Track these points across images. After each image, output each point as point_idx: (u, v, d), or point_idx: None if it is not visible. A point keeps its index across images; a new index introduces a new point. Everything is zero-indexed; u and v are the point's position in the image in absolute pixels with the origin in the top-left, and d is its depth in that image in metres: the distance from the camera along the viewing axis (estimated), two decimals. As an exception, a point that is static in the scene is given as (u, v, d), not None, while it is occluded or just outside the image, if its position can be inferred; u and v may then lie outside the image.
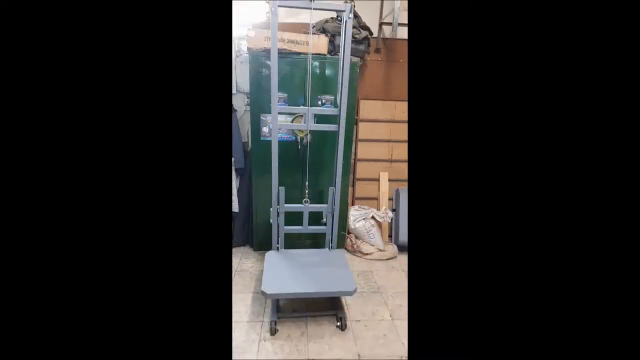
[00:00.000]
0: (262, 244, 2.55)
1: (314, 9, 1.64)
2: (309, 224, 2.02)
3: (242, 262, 2.47)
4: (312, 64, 2.23)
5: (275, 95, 1.69)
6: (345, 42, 1.67)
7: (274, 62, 1.62)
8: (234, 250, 2.61)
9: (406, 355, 1.69)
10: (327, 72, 2.26)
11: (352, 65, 2.23)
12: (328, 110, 1.94)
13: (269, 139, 2.35)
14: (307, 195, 1.96)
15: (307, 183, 1.99)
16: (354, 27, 2.35)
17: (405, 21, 2.43)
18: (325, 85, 2.24)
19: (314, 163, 2.15)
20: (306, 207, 1.98)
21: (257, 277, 2.27)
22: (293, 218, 2.04)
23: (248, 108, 2.58)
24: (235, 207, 2.51)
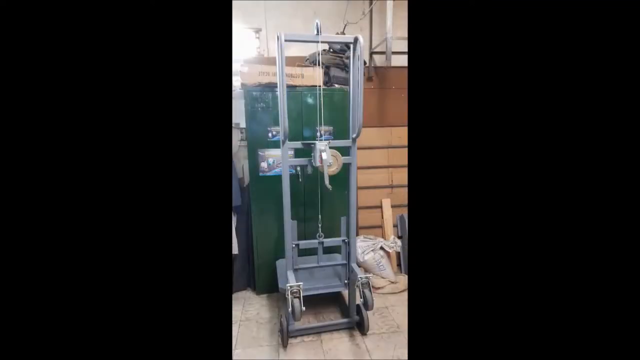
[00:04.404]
0: (266, 286, 2.40)
1: (322, 42, 1.68)
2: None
3: (246, 309, 2.27)
4: (306, 95, 2.22)
5: (285, 127, 1.62)
6: (357, 71, 1.67)
7: (282, 95, 1.58)
8: (234, 295, 2.41)
9: None
10: (325, 103, 2.23)
11: (345, 94, 2.22)
12: (341, 142, 1.86)
13: (268, 174, 2.27)
14: (320, 229, 1.87)
15: (320, 216, 1.90)
16: (347, 57, 2.36)
17: (397, 49, 2.47)
18: (322, 116, 2.21)
19: (317, 195, 2.06)
20: (320, 241, 1.90)
21: (265, 325, 2.07)
22: (301, 254, 1.94)
23: (242, 143, 2.50)
24: (234, 248, 2.35)
